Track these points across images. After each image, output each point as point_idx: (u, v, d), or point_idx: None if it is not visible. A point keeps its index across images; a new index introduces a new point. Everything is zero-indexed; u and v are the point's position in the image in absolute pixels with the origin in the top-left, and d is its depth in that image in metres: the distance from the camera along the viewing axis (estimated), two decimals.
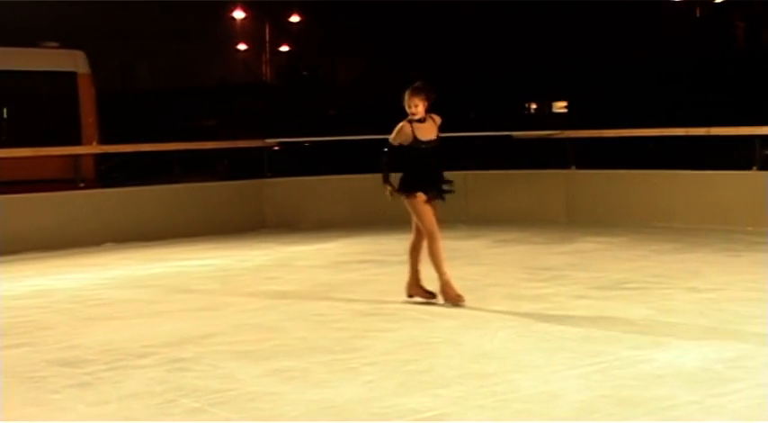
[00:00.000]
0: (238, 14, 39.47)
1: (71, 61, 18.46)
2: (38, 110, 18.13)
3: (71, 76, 18.32)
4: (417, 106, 8.89)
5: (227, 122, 35.34)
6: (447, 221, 15.33)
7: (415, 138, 8.87)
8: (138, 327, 8.39)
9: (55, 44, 18.91)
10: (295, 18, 40.58)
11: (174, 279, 11.24)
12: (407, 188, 8.93)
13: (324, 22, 37.70)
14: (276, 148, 18.33)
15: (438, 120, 9.08)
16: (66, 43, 19.18)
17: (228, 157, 24.08)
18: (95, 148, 17.85)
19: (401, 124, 8.96)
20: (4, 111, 18.39)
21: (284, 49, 43.35)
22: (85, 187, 15.67)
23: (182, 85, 39.76)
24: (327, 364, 6.79)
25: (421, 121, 8.94)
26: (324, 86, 40.13)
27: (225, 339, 7.73)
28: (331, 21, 36.91)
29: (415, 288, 9.16)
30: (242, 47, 42.80)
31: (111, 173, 20.02)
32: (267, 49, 43.78)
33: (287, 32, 42.13)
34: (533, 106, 40.34)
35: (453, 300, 8.80)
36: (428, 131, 8.96)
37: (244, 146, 19.45)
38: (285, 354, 7.16)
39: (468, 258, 12.04)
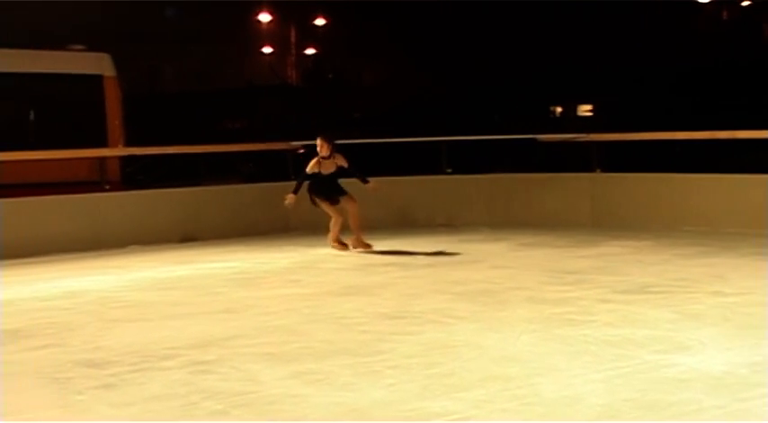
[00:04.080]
0: (264, 17, 39.54)
1: (97, 64, 18.56)
2: (64, 112, 18.23)
3: (97, 78, 18.41)
4: (322, 147, 13.32)
5: (252, 125, 35.44)
6: (471, 224, 15.54)
7: (319, 171, 13.31)
8: (162, 329, 8.41)
9: (81, 47, 19.01)
10: (320, 21, 40.63)
11: (199, 281, 11.26)
12: (317, 195, 13.38)
13: (349, 24, 37.73)
14: (301, 150, 18.35)
15: (340, 159, 13.38)
16: (93, 46, 19.29)
17: (253, 159, 24.15)
18: (121, 151, 17.93)
19: (314, 160, 13.33)
20: (32, 113, 18.50)
21: (310, 51, 43.41)
22: (111, 189, 15.74)
23: (207, 88, 39.85)
24: (351, 367, 6.80)
25: (326, 158, 13.29)
26: (349, 89, 40.15)
27: (248, 342, 7.75)
28: (357, 24, 36.94)
29: (358, 243, 13.40)
30: (267, 49, 42.88)
31: (136, 175, 20.09)
32: (293, 51, 43.84)
33: (312, 35, 42.19)
34: (558, 109, 40.24)
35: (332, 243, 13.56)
36: (329, 167, 13.34)
37: (269, 148, 19.49)
38: (308, 356, 7.17)
39: (492, 261, 12.05)
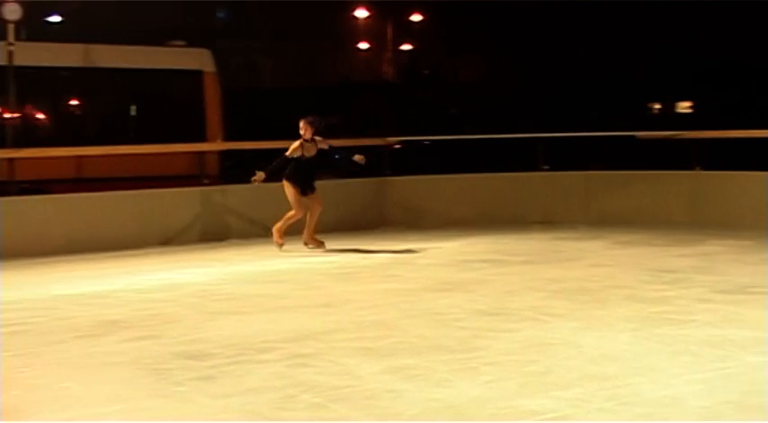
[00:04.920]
0: (361, 13, 39.65)
1: (197, 60, 18.81)
2: (165, 107, 18.52)
3: (197, 74, 18.67)
4: (306, 131, 13.31)
5: (348, 121, 35.56)
6: (567, 222, 15.44)
7: (302, 153, 13.19)
8: (260, 322, 8.49)
9: (182, 43, 19.28)
10: (417, 17, 40.60)
11: (296, 275, 11.36)
12: (292, 181, 13.20)
13: (446, 20, 37.65)
14: (397, 146, 18.39)
15: (321, 141, 13.40)
16: (193, 42, 19.55)
17: (350, 155, 24.21)
18: (219, 145, 18.14)
19: (296, 143, 13.24)
20: (133, 108, 18.82)
21: (406, 47, 43.41)
22: (209, 184, 15.93)
23: (304, 84, 40.07)
24: (447, 363, 6.79)
25: (308, 141, 13.28)
26: (445, 85, 40.05)
27: (345, 336, 7.79)
28: (454, 20, 36.84)
29: (311, 239, 13.55)
30: (364, 46, 42.99)
31: (234, 170, 20.30)
32: (389, 47, 43.88)
33: (409, 31, 42.17)
34: (656, 106, 39.71)
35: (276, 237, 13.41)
36: (311, 150, 13.31)
37: (365, 144, 19.55)
38: (405, 351, 7.18)
39: (589, 259, 11.96)
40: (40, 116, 18.69)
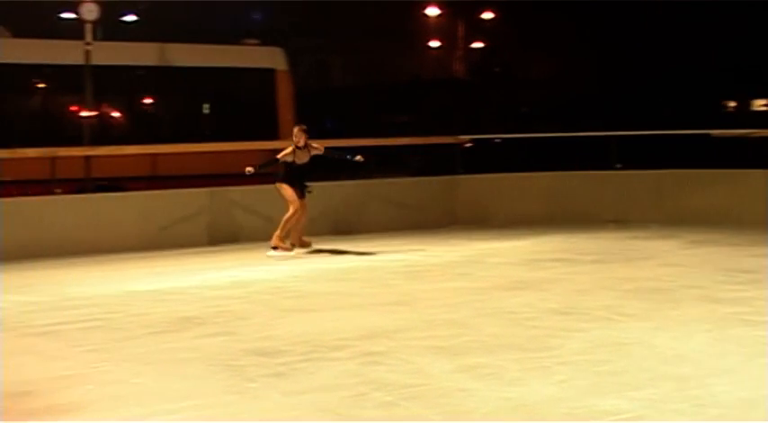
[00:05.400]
0: (432, 11, 39.61)
1: (270, 58, 18.93)
2: (238, 105, 18.66)
3: (270, 72, 18.78)
4: (300, 138, 13.21)
5: (419, 119, 35.57)
6: (639, 221, 15.29)
7: (293, 160, 13.20)
8: (332, 319, 8.52)
9: (255, 41, 19.41)
10: (488, 15, 40.47)
11: (367, 273, 11.38)
12: (289, 184, 13.19)
13: (518, 18, 37.49)
14: (468, 144, 18.35)
15: (316, 147, 13.38)
16: (266, 41, 19.68)
17: (420, 153, 24.23)
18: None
19: (289, 149, 13.22)
20: (207, 106, 18.99)
21: (477, 45, 43.29)
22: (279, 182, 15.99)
23: (375, 82, 40.14)
24: (519, 362, 6.76)
25: (300, 148, 13.22)
26: (517, 83, 39.89)
27: (417, 334, 7.78)
28: (525, 17, 36.67)
29: (299, 241, 13.44)
30: (435, 44, 42.94)
31: None
32: (460, 45, 43.78)
33: (480, 29, 42.05)
34: (731, 104, 39.21)
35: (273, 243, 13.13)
36: (303, 157, 13.28)
37: (436, 142, 19.55)
38: (477, 350, 7.16)
39: (662, 259, 11.85)
40: (116, 114, 18.91)
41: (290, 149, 13.29)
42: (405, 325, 8.14)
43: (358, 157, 13.71)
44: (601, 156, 17.00)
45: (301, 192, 13.33)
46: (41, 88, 18.26)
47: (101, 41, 16.49)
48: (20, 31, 18.42)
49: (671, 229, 14.44)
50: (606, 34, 35.50)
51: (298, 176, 13.34)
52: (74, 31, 16.91)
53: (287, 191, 13.23)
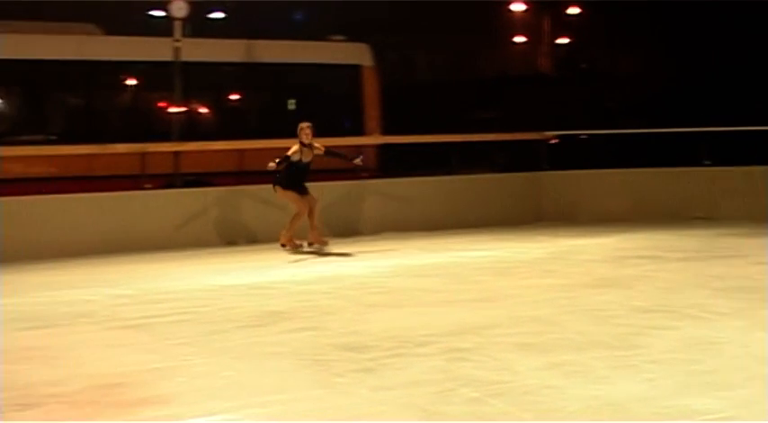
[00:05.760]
0: (517, 7, 39.41)
1: (356, 54, 18.99)
2: (324, 101, 18.75)
3: (356, 68, 18.84)
4: (309, 135, 13.23)
5: (504, 115, 35.40)
6: (729, 218, 15.07)
7: (300, 158, 13.14)
8: (418, 315, 8.53)
9: (341, 38, 19.48)
10: (574, 10, 40.16)
11: (453, 269, 11.37)
12: (286, 185, 13.21)
13: (604, 13, 37.14)
14: (554, 141, 18.25)
15: (317, 147, 13.33)
16: (352, 37, 19.73)
17: (506, 149, 24.14)
18: (377, 139, 18.28)
19: (296, 147, 13.14)
20: (294, 102, 19.11)
21: (563, 41, 42.98)
22: (368, 177, 16.06)
23: (460, 78, 40.04)
24: (607, 360, 6.70)
25: (306, 146, 13.20)
26: (603, 79, 39.53)
27: (503, 331, 7.75)
28: (612, 12, 36.32)
29: (317, 239, 13.42)
30: (520, 39, 42.72)
31: (391, 163, 20.43)
32: (545, 40, 43.51)
33: (566, 24, 41.74)
34: None
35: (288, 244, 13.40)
36: (308, 155, 13.27)
37: (522, 138, 19.46)
38: (564, 348, 7.11)
39: (754, 257, 11.67)
40: (204, 110, 19.11)
41: (297, 147, 13.23)
42: (491, 321, 8.12)
43: (357, 160, 13.75)
44: (689, 152, 16.79)
45: (302, 190, 13.34)
46: (131, 85, 18.52)
47: (189, 38, 16.68)
48: (110, 29, 18.68)
49: (763, 227, 14.20)
50: (694, 29, 35.03)
51: (300, 177, 13.34)
52: (163, 28, 17.16)
53: (288, 195, 13.28)
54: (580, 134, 23.73)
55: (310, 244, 13.42)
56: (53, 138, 16.74)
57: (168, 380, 6.54)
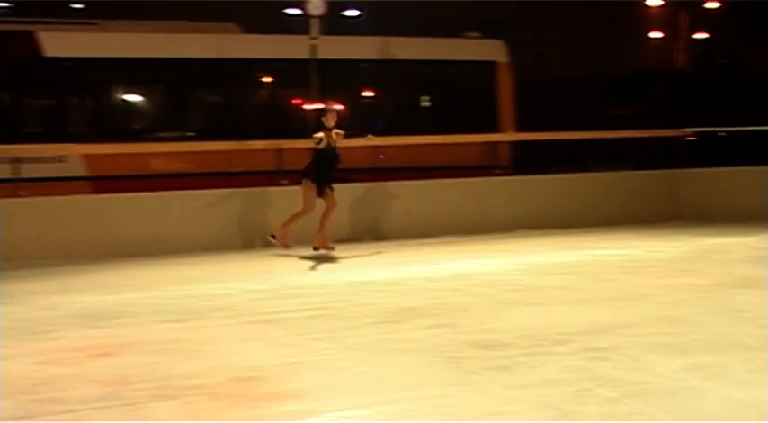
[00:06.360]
0: (653, 2, 38.81)
1: (492, 51, 18.96)
2: (459, 98, 18.74)
3: (491, 65, 18.80)
4: (333, 118, 12.62)
5: (640, 111, 34.90)
6: None
7: (327, 144, 12.46)
8: (554, 313, 8.45)
9: (477, 34, 19.46)
10: (712, 4, 39.39)
11: (588, 267, 11.24)
12: (314, 178, 12.50)
13: (743, 7, 36.33)
14: (691, 138, 17.92)
15: (338, 132, 12.67)
16: (488, 33, 19.70)
17: (641, 146, 23.79)
18: (511, 136, 18.21)
19: (321, 133, 12.47)
20: (428, 99, 19.14)
21: (700, 36, 42.19)
22: (502, 174, 16.00)
23: (594, 74, 39.62)
24: (749, 362, 6.52)
25: (329, 129, 12.52)
26: (742, 75, 38.66)
27: (641, 330, 7.62)
28: (752, 8, 35.50)
29: (322, 243, 12.73)
30: (656, 35, 42.06)
31: (524, 160, 20.32)
32: (682, 36, 42.74)
33: (703, 19, 40.95)
34: None
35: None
36: (334, 140, 12.58)
37: (658, 135, 19.16)
38: (705, 348, 6.95)
39: None
40: (339, 107, 19.25)
41: (322, 134, 12.59)
42: (629, 321, 7.99)
43: (369, 136, 13.70)
44: None
45: (327, 185, 12.70)
46: (268, 82, 18.76)
47: (325, 36, 16.83)
48: (248, 28, 18.96)
49: None
50: None
51: (328, 164, 12.65)
52: (300, 26, 17.35)
53: (306, 190, 12.59)
54: (719, 131, 23.27)
55: (315, 249, 12.79)
56: (191, 134, 17.07)
57: (302, 375, 6.58)
